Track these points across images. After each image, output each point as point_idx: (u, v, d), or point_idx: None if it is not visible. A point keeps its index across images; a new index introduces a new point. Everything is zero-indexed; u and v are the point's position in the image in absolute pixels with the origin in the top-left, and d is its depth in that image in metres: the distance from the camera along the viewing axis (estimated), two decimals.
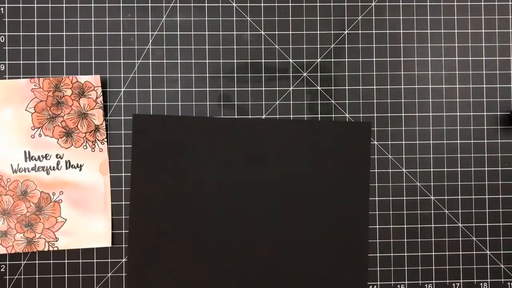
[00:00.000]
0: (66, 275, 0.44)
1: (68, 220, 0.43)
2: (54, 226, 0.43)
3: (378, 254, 0.45)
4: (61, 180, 0.43)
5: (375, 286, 0.45)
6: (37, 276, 0.43)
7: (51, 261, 0.43)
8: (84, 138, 0.43)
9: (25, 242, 0.43)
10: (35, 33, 0.44)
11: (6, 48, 0.44)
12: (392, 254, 0.45)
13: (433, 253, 0.45)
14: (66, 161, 0.43)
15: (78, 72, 0.44)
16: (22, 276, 0.43)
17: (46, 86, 0.43)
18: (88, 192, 0.43)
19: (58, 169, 0.43)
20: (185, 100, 0.45)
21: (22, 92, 0.43)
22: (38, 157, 0.43)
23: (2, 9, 0.44)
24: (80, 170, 0.43)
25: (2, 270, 0.43)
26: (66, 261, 0.44)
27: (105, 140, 0.44)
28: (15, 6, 0.44)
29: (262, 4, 0.45)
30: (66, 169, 0.43)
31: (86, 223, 0.43)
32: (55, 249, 0.43)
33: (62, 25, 0.44)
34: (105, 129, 0.43)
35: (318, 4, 0.45)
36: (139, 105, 0.44)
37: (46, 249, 0.43)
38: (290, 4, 0.45)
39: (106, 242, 0.43)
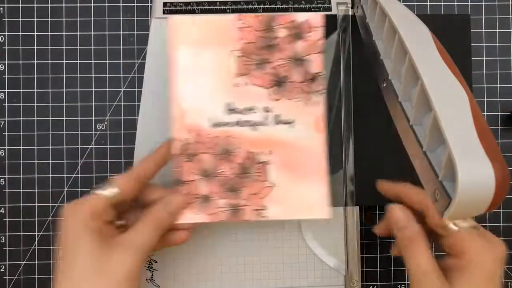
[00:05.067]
0: None
1: (277, 186, 0.37)
2: (261, 192, 0.37)
3: (378, 254, 0.45)
4: (269, 138, 0.37)
5: (375, 286, 0.45)
6: (36, 276, 0.43)
7: (51, 261, 0.43)
8: (299, 89, 0.37)
9: (230, 210, 0.36)
10: (35, 33, 0.44)
11: (6, 48, 0.44)
12: (392, 255, 0.45)
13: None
14: (275, 115, 0.37)
15: (78, 72, 0.44)
16: (22, 276, 0.43)
17: (256, 24, 0.37)
18: (301, 153, 0.37)
19: (266, 125, 0.37)
20: None
21: (226, 30, 0.36)
22: (243, 110, 0.37)
23: (1, 9, 0.44)
24: (292, 126, 0.37)
25: (1, 270, 0.43)
26: None
27: (325, 91, 0.37)
28: (14, 6, 0.44)
29: None
30: (275, 125, 0.37)
31: (298, 190, 0.37)
32: (263, 219, 0.36)
33: (62, 24, 0.44)
34: (324, 79, 0.37)
35: None
36: (139, 105, 0.44)
37: (253, 218, 0.36)
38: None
39: (323, 213, 0.36)
